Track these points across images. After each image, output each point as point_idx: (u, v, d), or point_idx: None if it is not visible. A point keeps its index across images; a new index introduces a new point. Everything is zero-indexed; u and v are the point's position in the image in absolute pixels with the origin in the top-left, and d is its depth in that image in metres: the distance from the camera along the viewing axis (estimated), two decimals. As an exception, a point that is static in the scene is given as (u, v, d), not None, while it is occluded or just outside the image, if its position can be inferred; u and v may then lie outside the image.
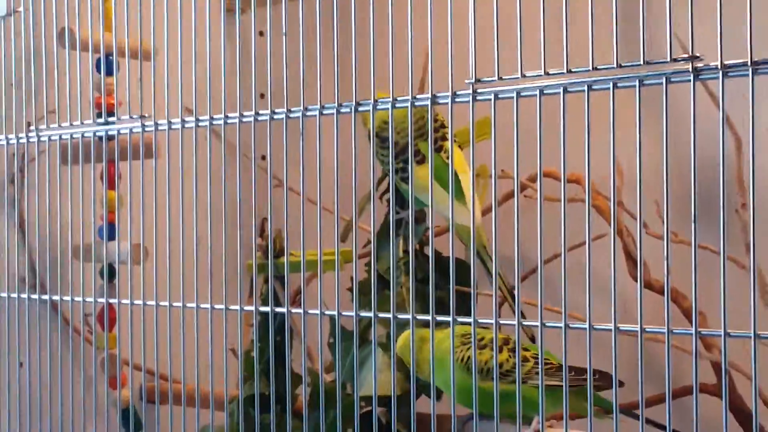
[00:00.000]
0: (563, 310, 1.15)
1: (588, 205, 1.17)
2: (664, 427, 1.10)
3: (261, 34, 1.36)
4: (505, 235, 1.19)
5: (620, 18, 1.07)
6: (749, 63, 0.99)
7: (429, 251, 1.39)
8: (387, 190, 1.47)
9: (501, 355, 1.34)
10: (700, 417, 1.11)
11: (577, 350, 1.17)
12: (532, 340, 1.51)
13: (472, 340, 1.26)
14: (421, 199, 1.44)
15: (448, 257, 1.35)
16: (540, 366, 1.24)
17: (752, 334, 1.01)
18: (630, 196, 1.50)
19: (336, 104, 1.29)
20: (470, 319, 1.22)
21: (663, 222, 1.11)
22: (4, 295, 1.69)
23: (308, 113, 1.32)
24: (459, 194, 1.45)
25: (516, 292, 1.22)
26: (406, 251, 1.52)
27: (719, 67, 1.00)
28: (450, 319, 1.23)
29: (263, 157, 1.44)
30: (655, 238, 1.50)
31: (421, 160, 1.46)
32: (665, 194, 1.07)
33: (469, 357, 1.35)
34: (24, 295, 1.67)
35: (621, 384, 1.23)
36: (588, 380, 1.17)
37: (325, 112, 1.30)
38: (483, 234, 1.47)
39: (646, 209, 1.13)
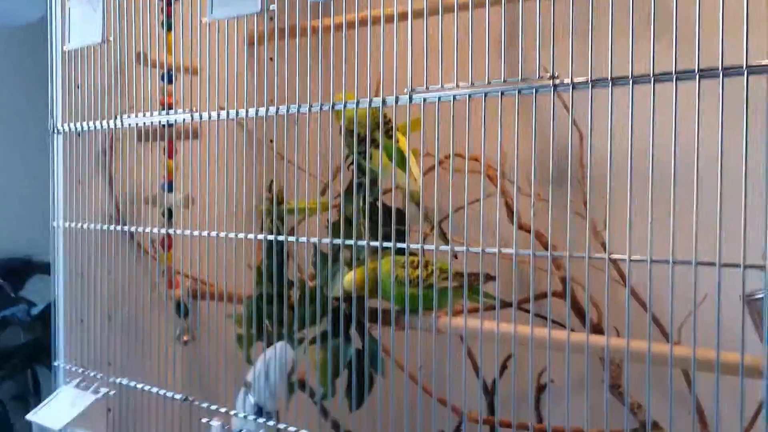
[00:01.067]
0: (465, 241, 1.15)
1: (482, 174, 1.17)
2: (536, 315, 1.11)
3: (271, 59, 1.34)
4: (428, 193, 1.19)
5: (507, 47, 1.06)
6: (589, 80, 0.99)
7: (378, 203, 1.38)
8: (351, 163, 1.46)
9: (415, 270, 1.33)
10: (552, 314, 1.12)
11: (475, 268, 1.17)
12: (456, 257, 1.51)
13: (405, 263, 1.26)
14: (376, 170, 1.44)
15: (391, 207, 1.35)
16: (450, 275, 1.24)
17: (586, 256, 1.01)
18: (510, 169, 1.51)
19: (319, 104, 1.28)
20: (404, 245, 1.22)
21: (530, 186, 1.11)
22: (99, 227, 1.67)
23: (301, 110, 1.31)
24: (402, 164, 1.44)
25: (435, 231, 1.22)
26: (364, 203, 1.52)
27: (570, 82, 1.00)
28: (391, 245, 1.23)
29: (271, 140, 1.44)
30: (526, 197, 1.50)
31: (377, 146, 1.45)
32: (533, 168, 1.07)
33: (400, 275, 1.35)
34: (111, 227, 1.66)
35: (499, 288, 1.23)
36: (480, 281, 1.17)
37: (312, 109, 1.29)
38: (416, 192, 1.47)
39: (521, 178, 1.13)
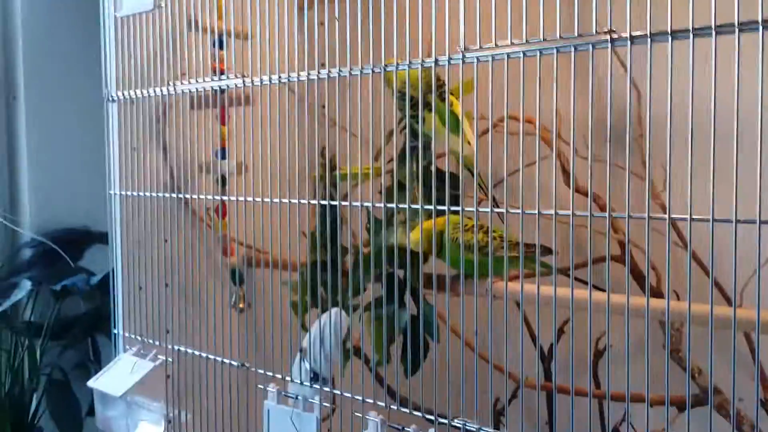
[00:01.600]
0: (520, 205, 1.13)
1: (538, 136, 1.15)
2: (585, 282, 1.09)
3: (321, 24, 1.33)
4: (482, 157, 1.17)
5: (562, 3, 1.04)
6: (648, 34, 0.96)
7: (432, 168, 1.37)
8: (404, 127, 1.45)
9: (478, 236, 1.32)
10: (610, 279, 1.10)
11: (531, 232, 1.15)
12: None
13: (460, 225, 1.25)
14: (428, 134, 1.42)
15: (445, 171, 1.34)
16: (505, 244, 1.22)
17: (646, 217, 0.99)
18: (566, 131, 1.48)
19: (371, 66, 1.27)
20: (458, 208, 1.21)
21: (588, 148, 1.09)
22: (154, 194, 1.69)
23: (352, 73, 1.29)
24: (456, 129, 1.42)
25: (489, 196, 1.21)
26: (417, 167, 1.50)
27: (629, 37, 0.98)
28: (445, 208, 1.22)
29: (323, 106, 1.43)
30: (582, 159, 1.47)
31: (429, 110, 1.43)
32: (590, 129, 1.05)
33: (458, 237, 1.33)
34: (167, 195, 1.67)
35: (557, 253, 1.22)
36: (536, 251, 1.15)
37: (363, 72, 1.28)
38: (470, 155, 1.45)
39: (577, 140, 1.10)
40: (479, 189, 1.41)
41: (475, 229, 1.29)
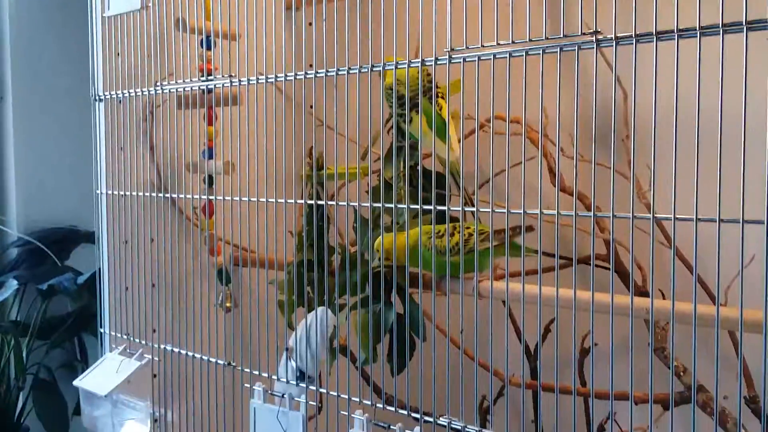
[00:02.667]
0: (506, 205, 1.13)
1: (524, 136, 1.15)
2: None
3: (310, 24, 1.34)
4: (469, 157, 1.17)
5: (548, 4, 1.04)
6: (634, 35, 0.96)
7: (418, 168, 1.37)
8: (392, 127, 1.45)
9: (453, 238, 1.32)
10: (594, 277, 1.10)
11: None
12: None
13: (432, 233, 1.25)
14: (415, 135, 1.43)
15: (431, 171, 1.34)
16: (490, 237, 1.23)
17: (631, 216, 0.99)
18: (552, 130, 1.49)
19: (358, 66, 1.27)
20: (443, 208, 1.21)
21: (573, 147, 1.09)
22: (141, 194, 1.68)
23: (339, 73, 1.29)
24: (442, 135, 1.42)
25: (475, 196, 1.21)
26: (404, 167, 1.50)
27: (614, 38, 0.98)
28: (431, 207, 1.22)
29: (311, 106, 1.43)
30: (568, 158, 1.48)
31: (417, 111, 1.43)
32: (576, 129, 1.05)
33: (429, 247, 1.34)
34: (153, 194, 1.66)
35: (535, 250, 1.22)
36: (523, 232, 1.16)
37: (351, 72, 1.28)
38: (456, 161, 1.45)
39: (563, 139, 1.11)
40: (465, 192, 1.41)
41: (446, 230, 1.29)
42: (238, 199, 1.48)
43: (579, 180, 1.08)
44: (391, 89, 1.41)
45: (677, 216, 0.95)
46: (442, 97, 1.44)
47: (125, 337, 1.76)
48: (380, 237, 1.38)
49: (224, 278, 1.68)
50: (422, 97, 1.35)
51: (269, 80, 1.40)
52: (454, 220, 1.33)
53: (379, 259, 1.39)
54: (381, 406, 1.31)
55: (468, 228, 1.34)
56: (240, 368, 1.53)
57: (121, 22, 1.68)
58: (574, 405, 1.12)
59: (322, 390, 1.41)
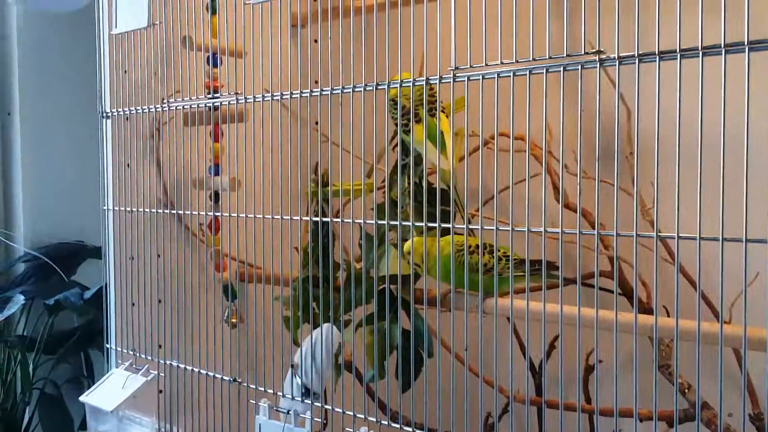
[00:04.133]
0: (510, 221, 1.13)
1: (528, 153, 1.15)
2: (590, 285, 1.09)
3: (315, 41, 1.34)
4: (473, 174, 1.18)
5: (552, 23, 1.05)
6: (636, 55, 0.97)
7: (423, 184, 1.37)
8: (396, 144, 1.45)
9: (484, 257, 1.32)
10: (598, 294, 1.10)
11: (521, 247, 1.16)
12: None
13: (465, 249, 1.25)
14: (418, 149, 1.43)
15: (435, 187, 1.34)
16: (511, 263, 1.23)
17: (635, 234, 0.99)
18: (556, 147, 1.49)
19: (363, 84, 1.27)
20: (449, 225, 1.21)
21: (577, 164, 1.09)
22: (147, 210, 1.69)
23: (345, 90, 1.30)
24: (443, 148, 1.42)
25: (479, 213, 1.21)
26: (409, 184, 1.51)
27: (617, 57, 0.98)
28: (436, 225, 1.22)
29: (316, 123, 1.44)
30: (572, 175, 1.48)
31: (418, 121, 1.44)
32: (579, 146, 1.06)
33: (462, 260, 1.33)
34: (160, 210, 1.67)
35: (556, 268, 1.22)
36: (544, 266, 1.16)
37: (356, 89, 1.29)
38: (456, 175, 1.45)
39: (567, 156, 1.11)
40: (458, 207, 1.41)
41: (480, 248, 1.29)
42: (244, 215, 1.49)
43: (582, 197, 1.08)
44: (394, 100, 1.41)
45: (681, 234, 0.95)
46: (444, 111, 1.44)
47: (131, 352, 1.76)
48: (410, 240, 1.37)
49: (230, 294, 1.68)
50: (425, 108, 1.36)
51: (275, 97, 1.40)
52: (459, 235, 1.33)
53: (409, 262, 1.38)
54: (386, 422, 1.31)
55: (500, 251, 1.34)
56: (245, 384, 1.53)
57: (128, 39, 1.69)
58: (578, 422, 1.12)
59: (327, 406, 1.41)
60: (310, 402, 1.42)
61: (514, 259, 1.31)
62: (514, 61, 1.08)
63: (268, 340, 1.50)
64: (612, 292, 1.14)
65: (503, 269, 1.29)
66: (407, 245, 1.39)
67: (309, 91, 1.35)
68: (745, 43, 0.88)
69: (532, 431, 1.79)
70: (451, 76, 1.16)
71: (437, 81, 1.18)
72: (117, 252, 1.77)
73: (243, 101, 1.47)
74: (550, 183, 1.65)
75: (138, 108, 1.68)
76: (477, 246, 1.32)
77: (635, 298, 1.11)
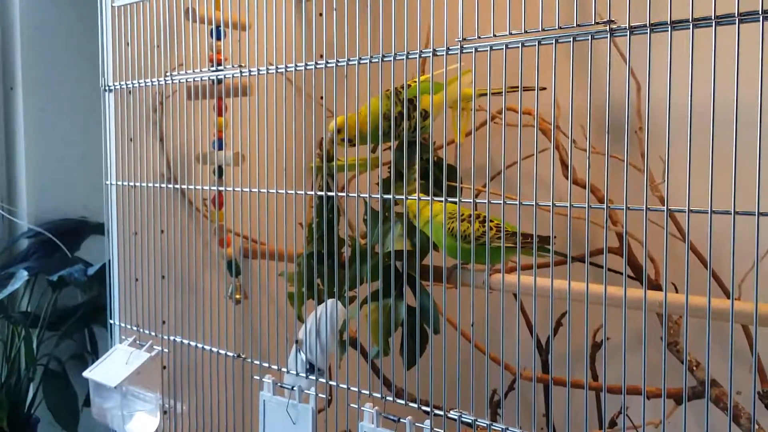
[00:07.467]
0: (518, 196, 1.12)
1: (536, 128, 1.14)
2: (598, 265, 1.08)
3: (320, 14, 1.33)
4: (481, 149, 1.16)
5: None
6: (648, 24, 0.95)
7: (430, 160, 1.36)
8: (400, 119, 1.44)
9: (474, 225, 1.31)
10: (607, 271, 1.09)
11: (528, 223, 1.14)
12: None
13: (457, 215, 1.24)
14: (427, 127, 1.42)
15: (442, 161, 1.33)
16: (502, 233, 1.22)
17: (644, 208, 0.98)
18: (564, 122, 1.47)
19: (369, 56, 1.26)
20: (455, 200, 1.20)
21: (586, 139, 1.08)
22: (151, 185, 1.68)
23: (350, 63, 1.28)
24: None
25: (486, 187, 1.19)
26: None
27: (628, 27, 0.97)
28: (442, 199, 1.21)
29: (321, 96, 1.43)
30: (581, 150, 1.47)
31: (425, 116, 1.42)
32: (588, 120, 1.04)
33: (454, 227, 1.32)
34: (163, 185, 1.66)
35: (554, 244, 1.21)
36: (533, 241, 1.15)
37: (361, 62, 1.27)
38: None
39: (575, 131, 1.10)
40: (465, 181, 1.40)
41: (472, 216, 1.28)
42: (248, 190, 1.48)
43: (591, 172, 1.07)
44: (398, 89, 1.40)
45: (691, 209, 0.94)
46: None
47: (135, 328, 1.76)
48: (416, 201, 1.36)
49: (234, 270, 1.67)
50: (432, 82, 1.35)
51: (279, 71, 1.39)
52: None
53: (411, 220, 1.38)
54: (391, 399, 1.31)
55: (492, 222, 1.32)
56: (250, 360, 1.53)
57: (130, 11, 1.67)
58: (585, 399, 1.11)
59: (331, 383, 1.40)
60: (314, 378, 1.42)
61: (508, 231, 1.29)
62: (522, 31, 1.06)
63: (272, 316, 1.50)
64: (620, 273, 1.13)
65: (493, 239, 1.28)
66: (412, 204, 1.38)
67: (314, 63, 1.34)
68: (760, 11, 0.86)
69: (539, 409, 1.79)
70: (459, 47, 1.15)
71: (444, 52, 1.17)
72: (120, 227, 1.77)
73: (247, 74, 1.46)
74: (558, 158, 1.64)
75: (141, 81, 1.67)
76: (469, 216, 1.30)
77: (644, 274, 1.10)
